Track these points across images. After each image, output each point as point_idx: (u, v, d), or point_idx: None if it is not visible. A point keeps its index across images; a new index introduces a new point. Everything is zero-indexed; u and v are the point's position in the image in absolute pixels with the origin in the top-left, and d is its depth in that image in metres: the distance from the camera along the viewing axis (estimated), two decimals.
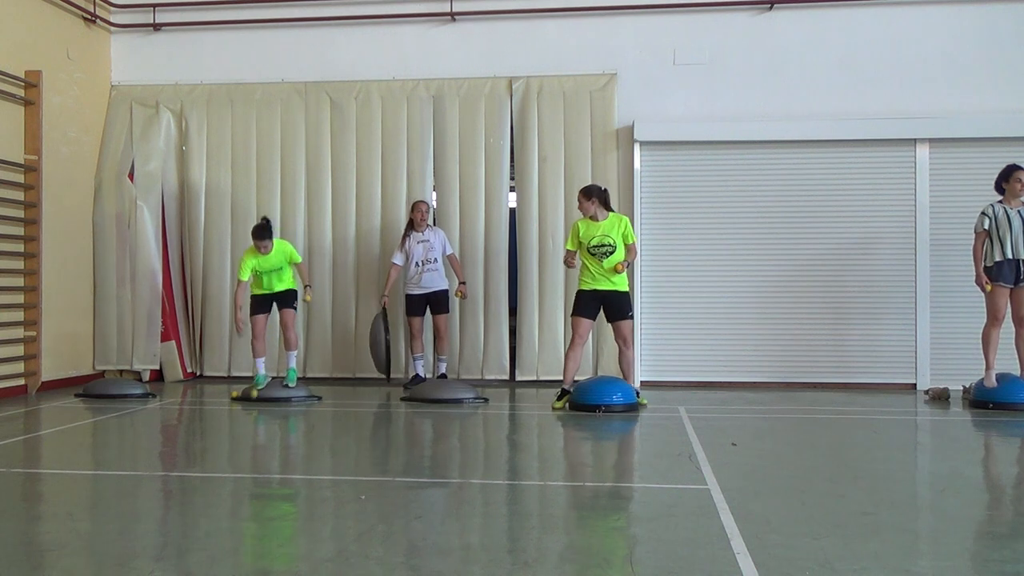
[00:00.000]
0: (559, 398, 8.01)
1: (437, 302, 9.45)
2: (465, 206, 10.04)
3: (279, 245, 8.48)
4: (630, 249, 8.06)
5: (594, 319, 8.16)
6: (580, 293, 8.14)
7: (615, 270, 7.92)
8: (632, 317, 8.19)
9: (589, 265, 8.01)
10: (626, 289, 8.12)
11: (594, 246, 7.95)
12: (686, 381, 9.80)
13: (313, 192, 10.28)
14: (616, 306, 8.06)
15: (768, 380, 9.73)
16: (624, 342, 8.13)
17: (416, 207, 9.46)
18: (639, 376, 9.57)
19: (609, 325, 8.26)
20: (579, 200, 8.10)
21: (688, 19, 9.99)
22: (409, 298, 9.47)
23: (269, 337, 9.09)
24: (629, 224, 8.12)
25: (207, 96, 10.44)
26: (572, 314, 8.22)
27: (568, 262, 8.17)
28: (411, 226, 9.46)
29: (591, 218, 8.04)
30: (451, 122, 10.09)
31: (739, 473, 5.28)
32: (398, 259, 9.43)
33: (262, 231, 8.28)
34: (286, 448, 6.70)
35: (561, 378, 9.60)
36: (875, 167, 9.68)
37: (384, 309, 9.42)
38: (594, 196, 8.04)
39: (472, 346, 10.03)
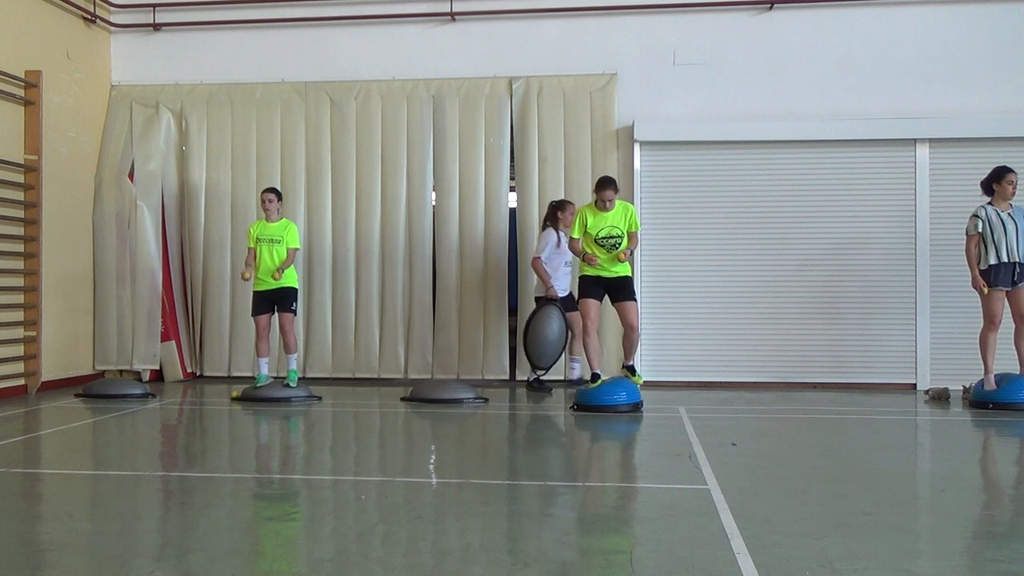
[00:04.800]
0: (592, 381, 8.02)
1: (570, 302, 9.04)
2: (465, 206, 10.04)
3: (285, 222, 8.77)
4: (632, 237, 8.06)
5: (601, 301, 8.11)
6: (584, 278, 8.13)
7: (617, 258, 7.95)
8: (636, 300, 8.19)
9: (595, 253, 7.98)
10: (629, 274, 8.17)
11: (602, 237, 7.97)
12: (686, 381, 9.80)
13: (313, 192, 10.29)
14: (621, 289, 8.09)
15: (768, 380, 9.73)
16: (631, 328, 8.15)
17: (567, 207, 8.98)
18: None
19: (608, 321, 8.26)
20: (610, 196, 7.86)
21: (688, 19, 9.99)
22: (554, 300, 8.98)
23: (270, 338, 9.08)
24: (635, 212, 8.15)
25: (207, 96, 10.44)
26: (579, 298, 8.20)
27: (590, 260, 7.89)
28: (555, 226, 9.01)
29: (600, 208, 8.02)
30: (451, 122, 10.09)
31: (739, 473, 5.28)
32: (545, 254, 8.98)
33: (273, 189, 8.85)
34: (286, 448, 6.70)
35: (562, 377, 9.67)
36: (875, 167, 9.69)
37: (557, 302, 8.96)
38: (613, 187, 7.96)
39: (472, 346, 10.03)
